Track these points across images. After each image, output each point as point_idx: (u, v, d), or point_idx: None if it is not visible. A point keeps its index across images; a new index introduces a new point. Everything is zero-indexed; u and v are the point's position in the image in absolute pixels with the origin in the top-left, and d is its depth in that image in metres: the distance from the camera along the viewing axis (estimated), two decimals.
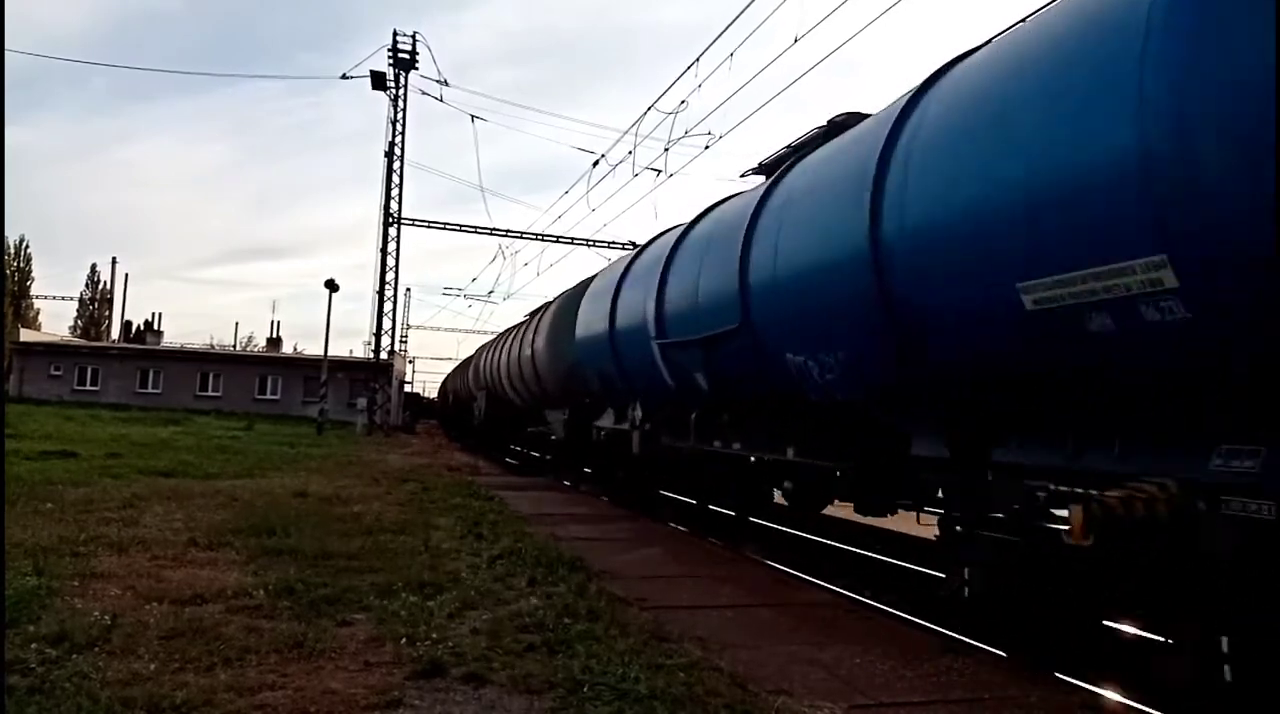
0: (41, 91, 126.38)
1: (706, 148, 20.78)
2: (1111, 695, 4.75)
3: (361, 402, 35.51)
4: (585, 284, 14.08)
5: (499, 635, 4.45)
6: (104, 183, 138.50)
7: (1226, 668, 3.54)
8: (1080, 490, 4.03)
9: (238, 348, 65.65)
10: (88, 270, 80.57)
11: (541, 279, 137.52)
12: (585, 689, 3.65)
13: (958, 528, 5.13)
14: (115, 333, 60.26)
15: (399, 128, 34.76)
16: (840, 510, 9.66)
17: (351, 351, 61.19)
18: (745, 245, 6.96)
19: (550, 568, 6.25)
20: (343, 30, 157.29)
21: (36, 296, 71.99)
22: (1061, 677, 4.92)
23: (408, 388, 59.68)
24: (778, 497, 9.25)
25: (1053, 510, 4.39)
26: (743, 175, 9.11)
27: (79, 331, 71.60)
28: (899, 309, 4.90)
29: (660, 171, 24.85)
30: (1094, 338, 3.68)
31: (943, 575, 8.31)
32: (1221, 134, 3.12)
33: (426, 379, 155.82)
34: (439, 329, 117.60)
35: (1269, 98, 2.89)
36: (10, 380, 43.50)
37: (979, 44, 5.22)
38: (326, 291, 33.25)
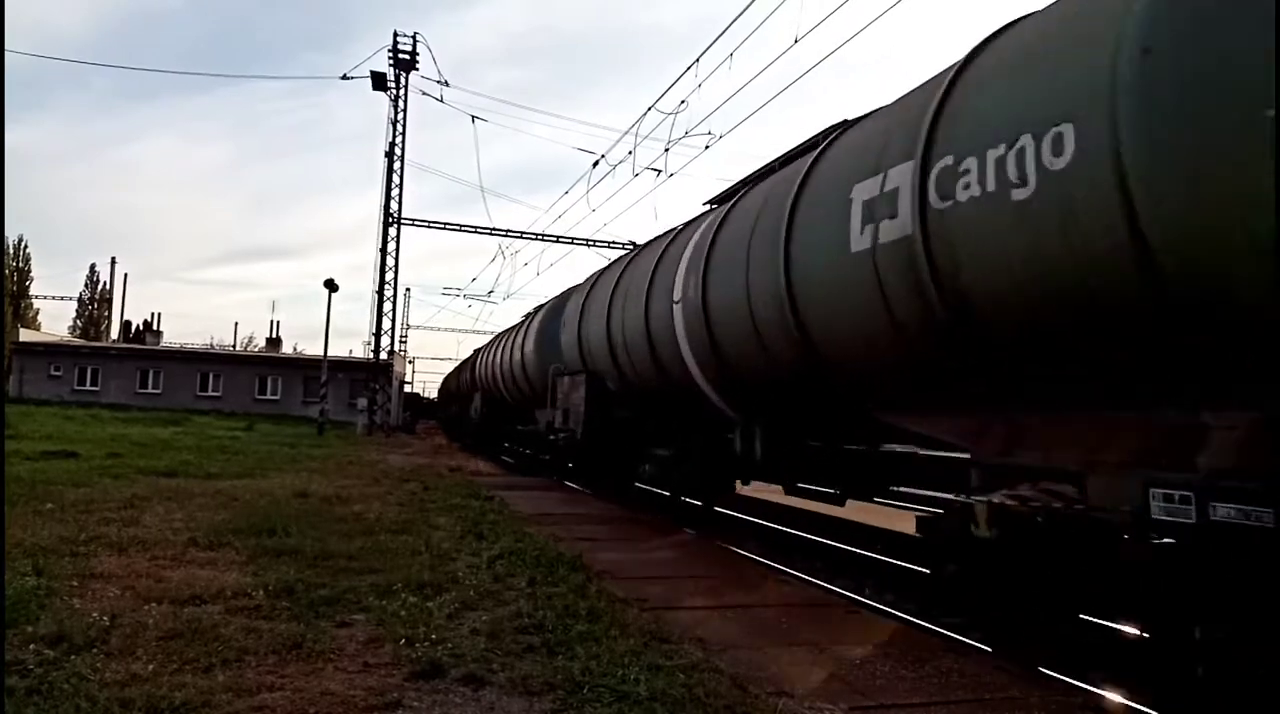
0: (41, 91, 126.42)
1: (706, 148, 20.73)
2: (1112, 696, 4.75)
3: (361, 402, 35.48)
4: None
5: (498, 636, 4.44)
6: (104, 183, 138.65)
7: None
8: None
9: (238, 348, 65.67)
10: (87, 270, 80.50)
11: (541, 279, 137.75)
12: (585, 691, 3.64)
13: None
14: (115, 333, 60.27)
15: (399, 128, 34.78)
16: (837, 510, 9.65)
17: (351, 352, 61.30)
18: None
19: (550, 568, 6.24)
20: (343, 30, 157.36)
21: (36, 297, 72.07)
22: (1063, 677, 4.92)
23: (407, 388, 59.71)
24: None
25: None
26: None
27: (78, 332, 71.62)
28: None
29: (660, 171, 24.84)
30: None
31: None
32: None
33: (426, 379, 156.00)
34: (439, 329, 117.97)
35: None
36: (10, 380, 43.51)
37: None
38: (326, 292, 33.28)
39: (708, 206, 10.31)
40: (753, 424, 8.03)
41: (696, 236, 8.92)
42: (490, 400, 25.42)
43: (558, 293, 18.93)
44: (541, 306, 19.97)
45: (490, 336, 35.00)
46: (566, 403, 13.40)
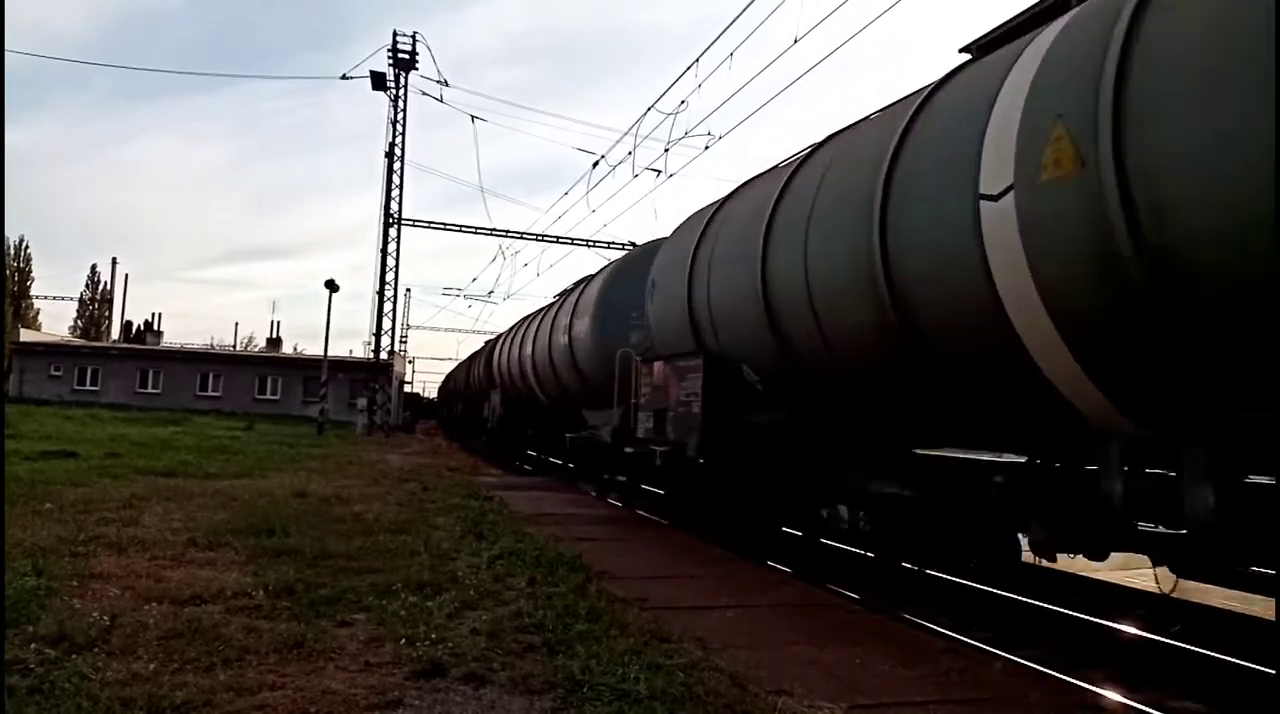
0: (41, 91, 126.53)
1: (706, 148, 20.73)
2: (1112, 695, 4.76)
3: (361, 402, 35.50)
4: None
5: (499, 636, 4.45)
6: (104, 183, 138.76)
7: None
8: None
9: (238, 348, 65.66)
10: (88, 270, 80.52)
11: (541, 279, 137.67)
12: (585, 689, 3.64)
13: None
14: (115, 333, 60.28)
15: (399, 128, 34.78)
16: None
17: (351, 352, 61.28)
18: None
19: (550, 568, 6.25)
20: (343, 30, 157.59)
21: (36, 297, 72.07)
22: (1063, 676, 4.93)
23: (407, 388, 59.70)
24: None
25: None
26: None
27: (79, 332, 71.59)
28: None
29: (660, 172, 24.86)
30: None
31: (940, 574, 8.27)
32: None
33: (426, 379, 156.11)
34: (439, 329, 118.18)
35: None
36: (10, 380, 43.50)
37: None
38: (326, 292, 33.29)
39: (969, 54, 5.96)
40: (1191, 448, 4.06)
41: (1036, 58, 4.56)
42: (513, 399, 20.52)
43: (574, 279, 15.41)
44: (590, 277, 15.47)
45: (490, 336, 34.86)
46: (661, 401, 9.14)
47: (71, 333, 69.23)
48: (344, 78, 35.33)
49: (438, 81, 34.16)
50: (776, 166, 8.27)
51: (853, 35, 11.56)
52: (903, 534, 6.45)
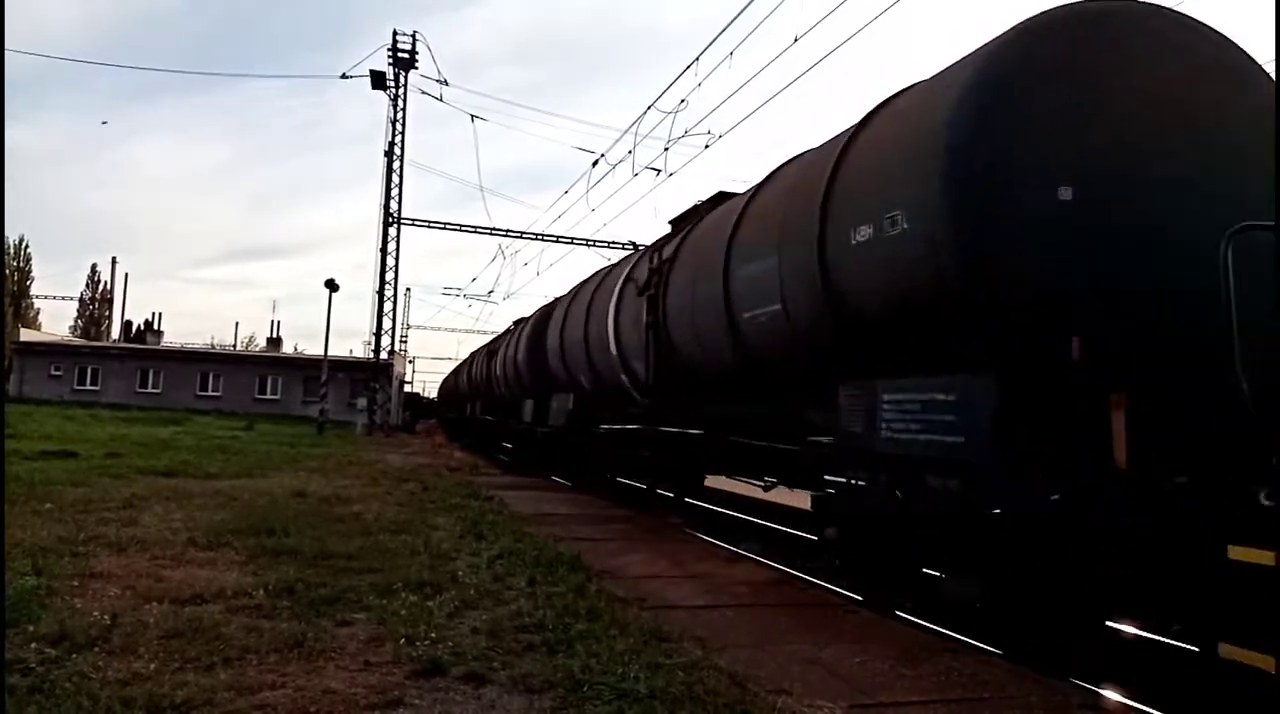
0: (41, 91, 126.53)
1: (706, 147, 20.62)
2: (1112, 695, 4.75)
3: (361, 402, 35.52)
4: None
5: (499, 635, 4.45)
6: (104, 183, 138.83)
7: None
8: None
9: (238, 348, 65.68)
10: (88, 270, 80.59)
11: (541, 279, 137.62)
12: (585, 689, 3.65)
13: None
14: (115, 333, 60.30)
15: (399, 127, 34.82)
16: None
17: (351, 351, 61.24)
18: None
19: (550, 568, 6.25)
20: (343, 30, 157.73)
21: (36, 296, 72.04)
22: (1062, 676, 4.92)
23: (407, 388, 59.73)
24: None
25: None
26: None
27: (79, 331, 71.59)
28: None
29: (660, 171, 24.85)
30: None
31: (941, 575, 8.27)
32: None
33: (426, 379, 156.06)
34: (439, 329, 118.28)
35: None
36: (10, 380, 43.51)
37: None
38: (326, 291, 33.29)
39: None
40: None
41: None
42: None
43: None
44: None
45: (491, 335, 34.83)
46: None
47: (71, 333, 69.24)
48: (344, 77, 35.47)
49: (438, 81, 34.26)
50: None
51: (852, 35, 11.57)
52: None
